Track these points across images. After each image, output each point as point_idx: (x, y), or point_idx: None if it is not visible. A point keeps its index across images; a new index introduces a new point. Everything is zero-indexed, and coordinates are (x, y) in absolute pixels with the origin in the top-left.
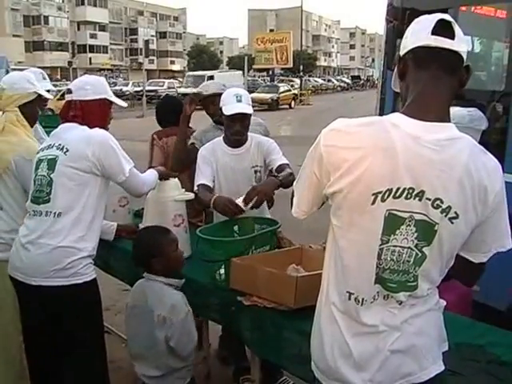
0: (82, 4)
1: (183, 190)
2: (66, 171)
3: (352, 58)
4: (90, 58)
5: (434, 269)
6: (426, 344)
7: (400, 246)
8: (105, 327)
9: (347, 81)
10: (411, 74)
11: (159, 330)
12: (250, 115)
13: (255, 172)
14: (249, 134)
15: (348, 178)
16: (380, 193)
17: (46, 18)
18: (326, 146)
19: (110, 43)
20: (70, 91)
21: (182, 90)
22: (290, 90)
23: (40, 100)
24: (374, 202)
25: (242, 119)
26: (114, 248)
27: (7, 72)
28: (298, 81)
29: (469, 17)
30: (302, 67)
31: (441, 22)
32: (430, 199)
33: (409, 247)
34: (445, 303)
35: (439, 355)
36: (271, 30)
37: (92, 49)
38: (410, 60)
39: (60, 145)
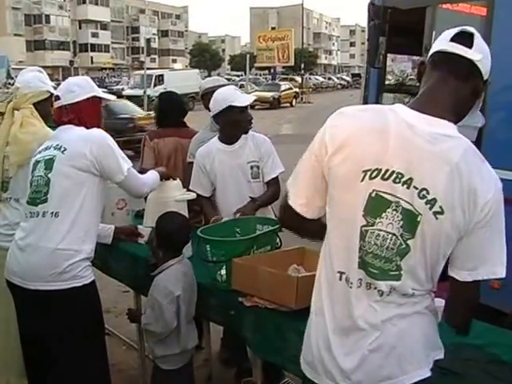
0: (84, 3)
1: (184, 190)
2: (64, 170)
3: (352, 56)
4: (92, 57)
5: (420, 267)
6: (409, 347)
7: (385, 231)
8: (106, 329)
9: (347, 79)
10: (426, 75)
11: None
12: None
13: (251, 167)
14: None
15: (340, 154)
16: (369, 170)
17: (48, 16)
18: (329, 127)
19: (112, 42)
20: (58, 97)
21: (129, 92)
22: (291, 89)
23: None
24: (363, 179)
25: (247, 109)
26: (114, 249)
27: (8, 72)
28: (299, 79)
29: (447, 14)
30: (303, 65)
31: (463, 32)
32: (417, 188)
33: (394, 234)
34: (443, 303)
35: (427, 362)
36: (273, 28)
37: (93, 48)
38: (428, 64)
39: (58, 145)
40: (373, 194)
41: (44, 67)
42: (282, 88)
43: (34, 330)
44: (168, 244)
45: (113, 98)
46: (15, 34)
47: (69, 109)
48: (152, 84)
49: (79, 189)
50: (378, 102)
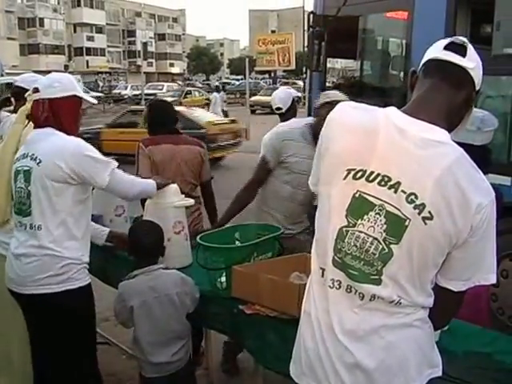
0: (79, 5)
1: (183, 195)
2: (41, 182)
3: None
4: (87, 61)
5: (403, 274)
6: (398, 362)
7: (365, 234)
8: (105, 338)
9: None
10: (418, 83)
11: (181, 306)
12: None
13: None
14: None
15: (329, 150)
16: (353, 170)
17: (42, 20)
18: (327, 121)
19: (108, 46)
20: (37, 90)
21: None
22: None
23: None
24: (345, 177)
25: None
26: (112, 257)
27: (1, 76)
28: (301, 83)
29: (377, 20)
30: (304, 69)
31: (456, 42)
32: (405, 192)
33: (375, 238)
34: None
35: (419, 379)
36: (273, 31)
37: (89, 51)
38: (420, 72)
39: (33, 155)
40: (356, 195)
41: (38, 71)
42: None
43: (35, 332)
44: (136, 253)
45: (94, 101)
46: (8, 38)
47: (46, 104)
48: None
49: (59, 199)
50: None
